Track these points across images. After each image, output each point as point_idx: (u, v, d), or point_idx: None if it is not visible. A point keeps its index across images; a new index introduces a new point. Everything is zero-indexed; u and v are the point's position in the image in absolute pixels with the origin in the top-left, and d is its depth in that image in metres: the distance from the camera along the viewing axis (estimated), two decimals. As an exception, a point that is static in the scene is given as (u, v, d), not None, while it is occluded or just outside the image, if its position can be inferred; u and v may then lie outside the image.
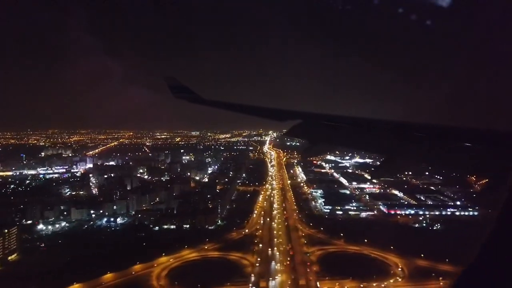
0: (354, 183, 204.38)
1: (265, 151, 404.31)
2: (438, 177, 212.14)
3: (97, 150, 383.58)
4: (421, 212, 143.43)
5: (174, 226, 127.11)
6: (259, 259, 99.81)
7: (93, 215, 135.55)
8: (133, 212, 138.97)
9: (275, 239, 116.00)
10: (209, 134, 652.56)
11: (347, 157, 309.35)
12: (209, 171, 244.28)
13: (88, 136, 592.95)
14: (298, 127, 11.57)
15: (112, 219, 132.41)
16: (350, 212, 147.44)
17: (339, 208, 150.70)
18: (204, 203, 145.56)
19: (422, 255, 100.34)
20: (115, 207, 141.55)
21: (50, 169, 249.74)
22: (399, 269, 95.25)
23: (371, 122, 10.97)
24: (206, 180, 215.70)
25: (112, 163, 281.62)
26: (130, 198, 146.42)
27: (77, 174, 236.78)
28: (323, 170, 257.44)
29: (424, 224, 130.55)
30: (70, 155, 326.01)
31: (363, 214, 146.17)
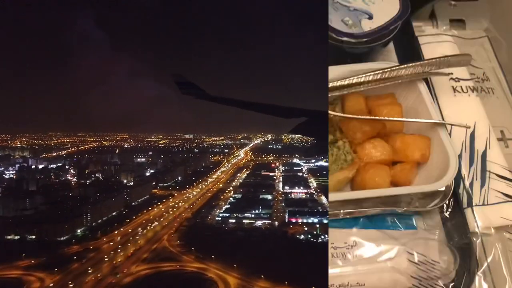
0: (287, 187, 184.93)
1: (237, 154, 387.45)
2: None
3: (63, 152, 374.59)
4: (325, 221, 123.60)
5: (19, 237, 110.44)
6: (56, 281, 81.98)
7: None
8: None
9: (117, 253, 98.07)
10: (203, 137, 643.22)
11: (313, 160, 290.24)
12: (146, 174, 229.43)
13: (81, 138, 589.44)
14: (302, 126, 9.04)
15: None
16: (244, 221, 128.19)
17: (235, 215, 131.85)
18: (76, 208, 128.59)
19: (263, 276, 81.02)
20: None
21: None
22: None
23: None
24: (131, 183, 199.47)
25: (59, 164, 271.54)
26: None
27: (6, 177, 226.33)
28: (271, 174, 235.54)
29: (309, 236, 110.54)
30: (24, 156, 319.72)
31: (258, 223, 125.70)
